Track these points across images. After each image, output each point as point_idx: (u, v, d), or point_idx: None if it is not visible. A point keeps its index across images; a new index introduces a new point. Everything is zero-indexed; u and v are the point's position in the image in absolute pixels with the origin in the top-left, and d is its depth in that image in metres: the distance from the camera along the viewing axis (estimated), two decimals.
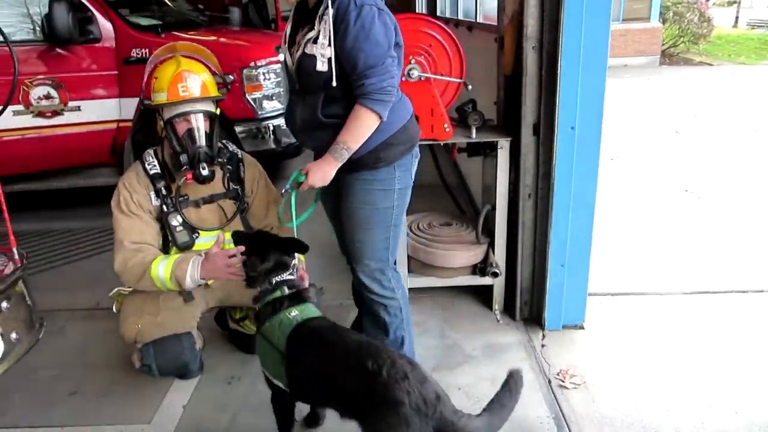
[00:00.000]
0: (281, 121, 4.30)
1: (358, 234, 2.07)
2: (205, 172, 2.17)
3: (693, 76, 11.96)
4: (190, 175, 2.17)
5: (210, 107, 2.23)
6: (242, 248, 1.98)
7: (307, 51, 1.88)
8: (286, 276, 1.92)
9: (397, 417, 1.49)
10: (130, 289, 2.32)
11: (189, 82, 2.15)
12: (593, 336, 2.70)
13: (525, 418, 2.19)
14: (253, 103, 4.24)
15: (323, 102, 1.93)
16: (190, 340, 2.29)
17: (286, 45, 2.01)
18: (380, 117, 1.87)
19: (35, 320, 2.16)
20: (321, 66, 1.85)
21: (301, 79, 1.96)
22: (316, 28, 1.85)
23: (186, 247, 2.25)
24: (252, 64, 4.22)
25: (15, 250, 2.10)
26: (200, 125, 2.19)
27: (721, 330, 2.71)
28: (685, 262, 3.43)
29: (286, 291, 1.90)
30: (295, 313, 1.85)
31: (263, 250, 1.93)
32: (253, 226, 2.41)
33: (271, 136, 4.33)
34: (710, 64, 13.85)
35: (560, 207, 2.53)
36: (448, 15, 6.07)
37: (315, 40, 1.85)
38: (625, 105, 8.26)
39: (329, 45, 1.82)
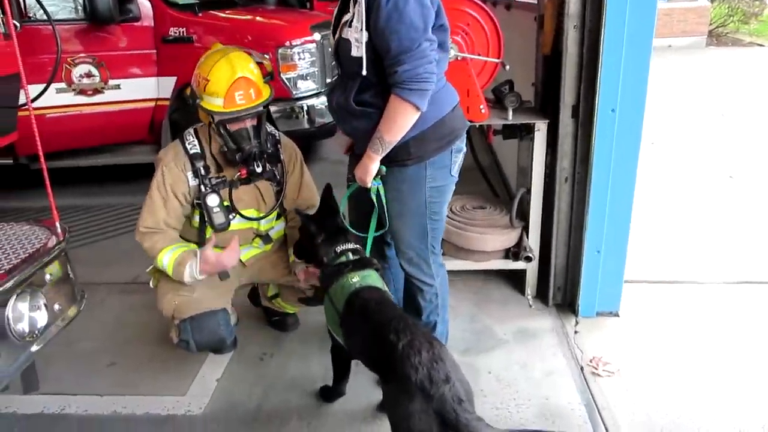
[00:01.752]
0: (315, 101, 4.31)
1: (393, 222, 2.04)
2: (259, 170, 2.22)
3: (742, 57, 11.48)
4: (244, 171, 2.22)
5: (260, 106, 2.18)
6: (236, 244, 2.20)
7: (344, 35, 1.82)
8: (349, 246, 2.06)
9: (402, 390, 1.55)
10: None
11: (246, 89, 2.11)
12: (628, 324, 2.65)
13: (556, 404, 2.17)
14: (287, 83, 4.24)
15: (358, 88, 1.86)
16: (225, 316, 2.33)
17: (331, 28, 1.95)
18: (417, 107, 1.75)
19: (77, 292, 2.23)
20: (356, 51, 1.77)
21: (340, 63, 1.91)
22: (351, 11, 1.79)
23: (222, 229, 2.26)
24: (287, 43, 4.20)
25: (57, 225, 2.17)
26: (252, 124, 2.19)
27: (762, 322, 2.63)
28: (726, 251, 3.32)
29: (351, 257, 2.03)
30: (356, 279, 1.94)
31: (324, 222, 2.10)
32: (285, 207, 2.43)
33: (305, 116, 4.32)
34: (761, 45, 13.24)
35: (598, 192, 2.47)
36: None
37: (350, 24, 1.79)
38: (668, 87, 7.98)
39: (362, 29, 1.73)
